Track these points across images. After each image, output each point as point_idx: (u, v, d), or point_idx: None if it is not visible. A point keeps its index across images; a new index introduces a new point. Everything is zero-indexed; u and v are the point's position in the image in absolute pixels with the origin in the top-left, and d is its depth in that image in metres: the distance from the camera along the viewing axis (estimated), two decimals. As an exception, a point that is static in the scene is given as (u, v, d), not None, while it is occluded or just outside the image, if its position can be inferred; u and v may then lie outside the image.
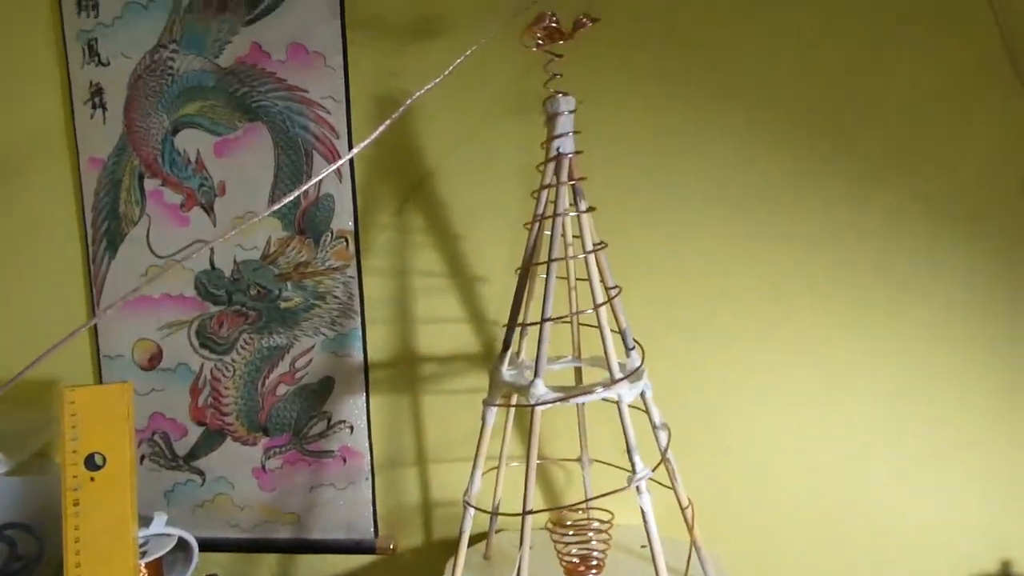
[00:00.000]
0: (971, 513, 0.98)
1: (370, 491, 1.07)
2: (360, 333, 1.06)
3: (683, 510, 0.83)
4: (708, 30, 0.96)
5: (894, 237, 0.95)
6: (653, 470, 0.72)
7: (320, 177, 0.67)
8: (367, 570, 1.10)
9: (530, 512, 0.70)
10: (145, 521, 1.00)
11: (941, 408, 0.97)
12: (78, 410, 0.91)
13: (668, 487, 0.83)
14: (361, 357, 1.06)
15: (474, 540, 1.01)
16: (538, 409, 0.72)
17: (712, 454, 1.01)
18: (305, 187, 0.64)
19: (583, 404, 0.96)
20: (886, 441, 0.98)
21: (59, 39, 1.06)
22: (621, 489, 0.69)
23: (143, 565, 0.97)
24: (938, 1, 0.91)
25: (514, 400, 0.84)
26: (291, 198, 0.79)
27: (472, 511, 0.80)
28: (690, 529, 0.81)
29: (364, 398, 1.07)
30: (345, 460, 1.07)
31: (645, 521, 0.70)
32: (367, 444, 1.07)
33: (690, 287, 0.99)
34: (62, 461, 0.89)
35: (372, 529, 1.08)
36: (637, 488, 0.70)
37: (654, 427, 0.82)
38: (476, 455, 0.81)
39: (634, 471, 0.71)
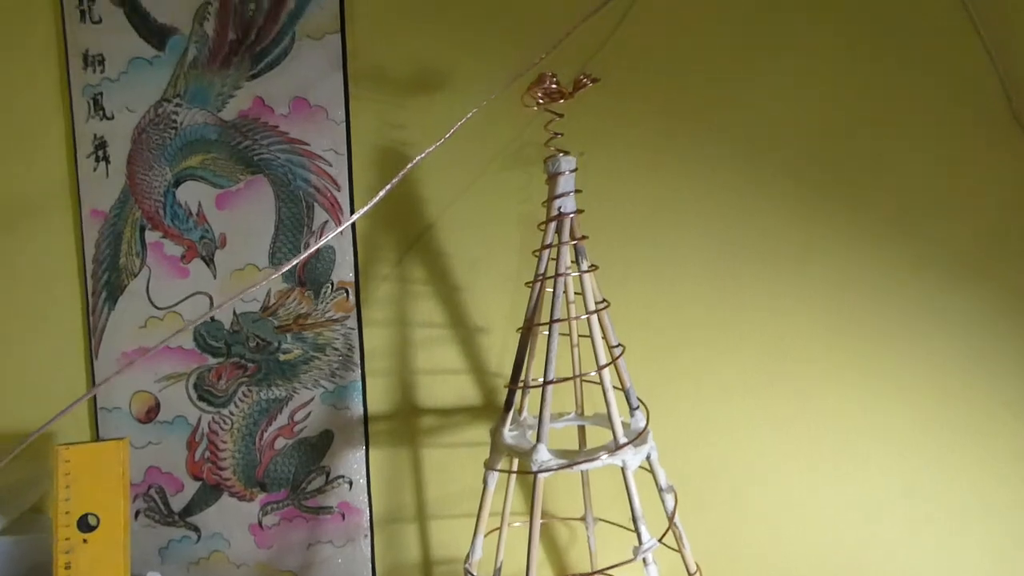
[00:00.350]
0: (983, 573, 0.94)
1: (369, 549, 1.05)
2: (360, 385, 1.05)
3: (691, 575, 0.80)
4: (708, 85, 0.96)
5: (901, 291, 0.94)
6: (660, 539, 0.69)
7: (322, 242, 0.67)
8: (365, 631, 1.06)
9: (532, 584, 0.68)
10: (138, 582, 0.97)
11: (954, 467, 0.94)
12: (72, 469, 0.89)
13: (675, 550, 0.81)
14: (361, 410, 1.05)
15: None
16: (541, 477, 0.70)
17: (719, 513, 0.99)
18: (310, 253, 0.64)
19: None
20: (898, 501, 0.96)
21: (65, 93, 1.07)
22: (627, 561, 0.67)
23: (134, 629, 0.94)
24: (937, 53, 0.91)
25: (515, 463, 0.82)
26: (300, 260, 0.78)
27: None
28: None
29: (364, 452, 1.05)
30: (344, 516, 1.05)
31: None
32: (366, 500, 1.05)
33: (694, 343, 0.98)
34: (54, 522, 0.87)
35: (371, 588, 1.05)
36: (643, 560, 0.68)
37: (660, 490, 0.80)
38: (477, 520, 0.79)
39: (640, 541, 0.68)
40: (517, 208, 1.01)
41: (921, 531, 0.95)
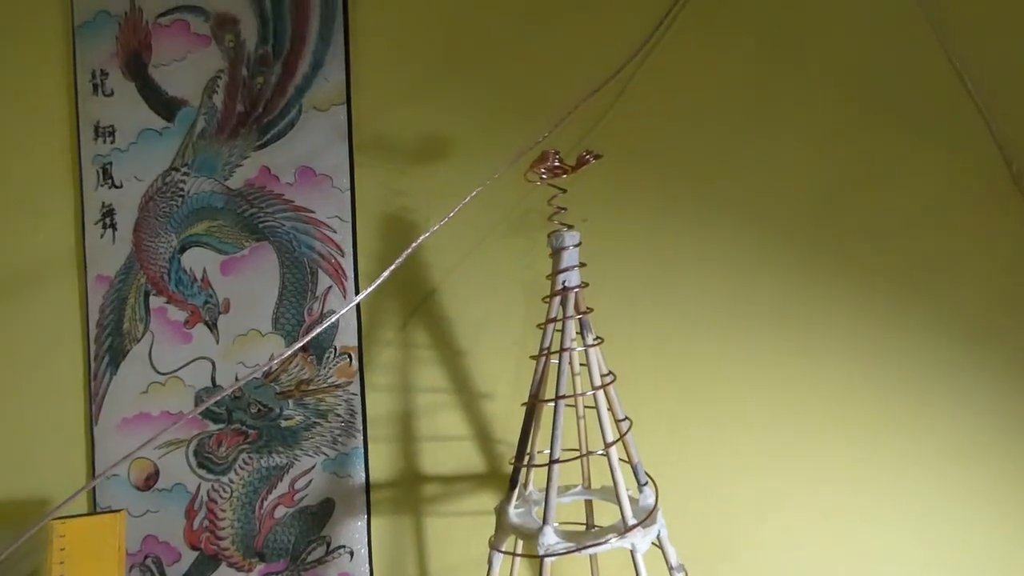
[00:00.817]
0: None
1: (370, 622, 1.02)
2: (362, 452, 1.04)
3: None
4: (708, 152, 0.98)
5: (908, 353, 0.94)
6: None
7: (334, 317, 0.67)
8: None
9: None
10: (131, 662, 0.94)
11: (969, 529, 0.93)
12: (67, 544, 0.87)
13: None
14: (363, 477, 1.03)
15: None
16: (547, 561, 0.69)
17: (717, 540, 0.96)
18: (319, 329, 0.65)
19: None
20: (913, 553, 0.93)
21: (75, 162, 1.09)
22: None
23: None
24: (934, 119, 0.93)
25: (520, 545, 0.81)
26: (316, 332, 0.78)
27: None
28: None
29: (365, 520, 1.03)
30: (344, 588, 1.03)
31: None
32: (367, 570, 1.02)
33: (701, 415, 0.97)
34: (48, 602, 0.85)
35: (371, 665, 1.02)
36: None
37: (671, 569, 0.78)
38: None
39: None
40: (521, 274, 1.01)
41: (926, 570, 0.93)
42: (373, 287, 0.70)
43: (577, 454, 0.82)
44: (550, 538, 0.69)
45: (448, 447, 1.03)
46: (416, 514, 1.04)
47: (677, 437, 0.97)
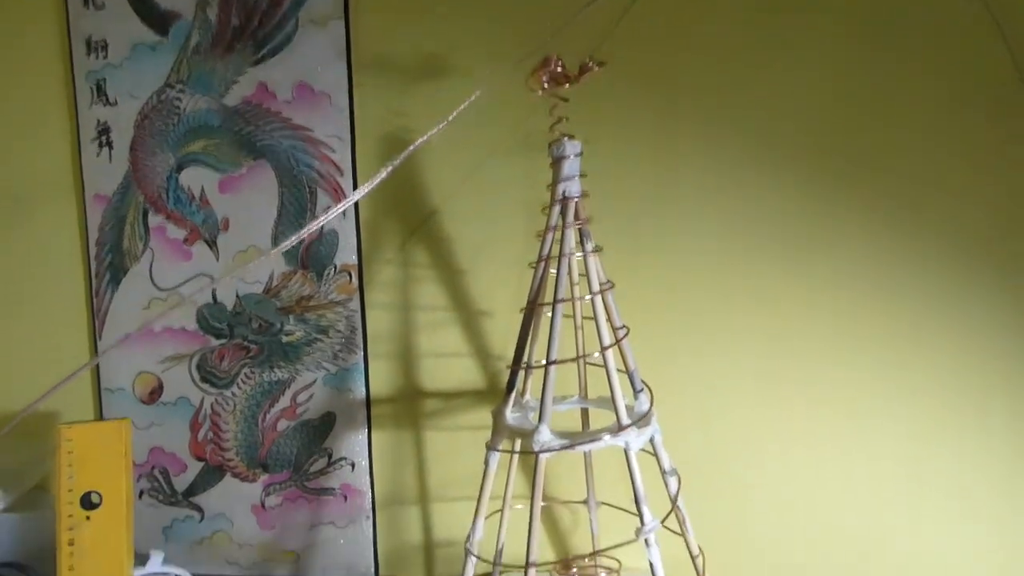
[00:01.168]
0: (989, 557, 0.96)
1: (371, 530, 1.06)
2: (363, 368, 1.06)
3: (693, 559, 0.81)
4: (714, 69, 0.96)
5: (910, 276, 0.94)
6: (663, 521, 0.71)
7: (323, 220, 0.67)
8: (367, 611, 1.08)
9: (533, 564, 0.69)
10: (141, 559, 0.98)
11: (962, 452, 0.95)
12: (75, 448, 0.90)
13: (679, 534, 0.82)
14: (363, 392, 1.06)
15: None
16: (543, 457, 0.72)
17: (724, 499, 1.00)
18: (308, 229, 0.64)
19: (590, 455, 0.95)
20: (905, 485, 0.97)
21: (68, 79, 1.08)
22: (629, 542, 0.68)
23: (139, 607, 0.96)
24: (945, 34, 0.90)
25: (518, 444, 0.83)
26: (296, 240, 0.80)
27: (474, 559, 0.79)
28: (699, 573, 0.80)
29: (366, 434, 1.06)
30: (346, 498, 1.06)
31: (653, 574, 0.68)
32: (368, 482, 1.06)
33: (699, 327, 0.99)
34: (57, 500, 0.88)
35: (373, 569, 1.06)
36: (645, 540, 0.69)
37: (664, 473, 0.81)
38: (479, 500, 0.80)
39: (642, 522, 0.70)
40: (522, 194, 1.01)
41: (925, 514, 0.96)
42: (373, 183, 0.69)
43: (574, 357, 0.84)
44: (545, 435, 0.71)
45: (447, 363, 1.05)
46: (416, 428, 1.07)
47: (674, 350, 0.99)
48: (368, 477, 1.06)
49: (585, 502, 0.96)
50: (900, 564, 0.97)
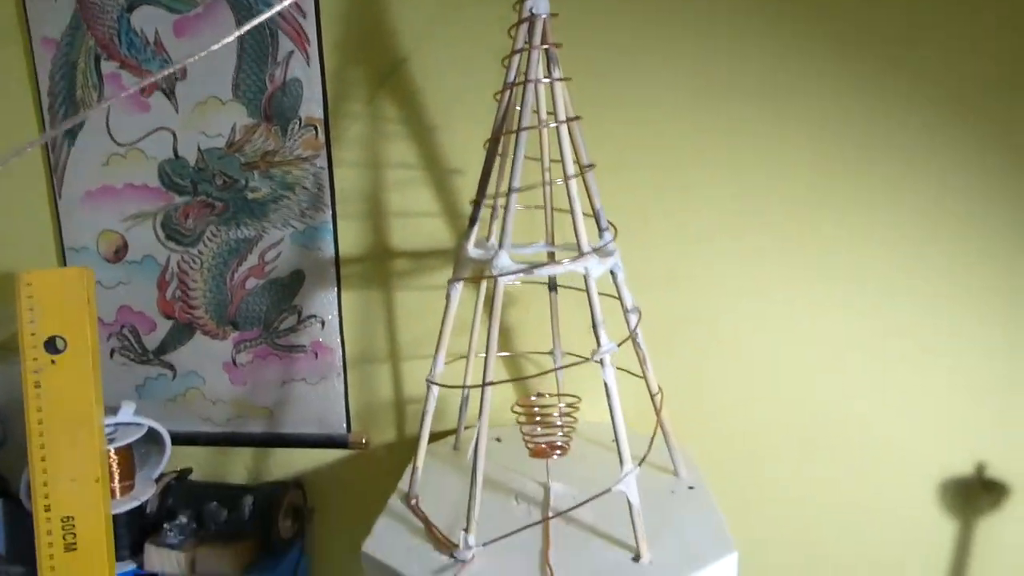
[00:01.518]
0: (949, 416, 0.97)
1: (342, 386, 1.07)
2: (331, 226, 1.03)
3: (652, 397, 0.82)
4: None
5: (888, 128, 0.91)
6: (619, 345, 0.70)
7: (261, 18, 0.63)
8: (340, 464, 1.10)
9: (491, 383, 0.69)
10: (113, 410, 0.99)
11: (925, 311, 0.95)
12: (35, 292, 0.88)
13: (639, 376, 0.82)
14: (332, 251, 1.04)
15: (446, 435, 1.02)
16: (501, 282, 0.70)
17: (687, 353, 1.00)
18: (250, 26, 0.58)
19: (556, 295, 0.94)
20: (869, 343, 0.97)
21: (2, -97, 0.99)
22: (584, 360, 0.68)
23: (112, 451, 0.97)
24: None
25: (482, 288, 0.82)
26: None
27: (436, 390, 0.79)
28: (657, 412, 0.80)
29: (335, 293, 1.05)
30: (317, 355, 1.06)
31: (608, 395, 0.68)
32: (339, 340, 1.06)
33: (671, 175, 0.96)
34: (21, 343, 0.87)
35: (344, 424, 1.07)
36: (601, 362, 0.69)
37: (625, 311, 0.80)
38: (440, 335, 0.79)
39: (599, 344, 0.69)
40: (498, 43, 0.95)
41: (896, 369, 0.97)
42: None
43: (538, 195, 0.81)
44: (504, 260, 0.70)
45: (418, 223, 1.03)
46: (386, 288, 1.05)
47: (644, 198, 0.96)
48: (338, 335, 1.05)
49: (551, 353, 0.96)
50: (858, 423, 0.99)
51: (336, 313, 1.05)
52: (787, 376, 0.99)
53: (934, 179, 0.92)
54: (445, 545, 0.70)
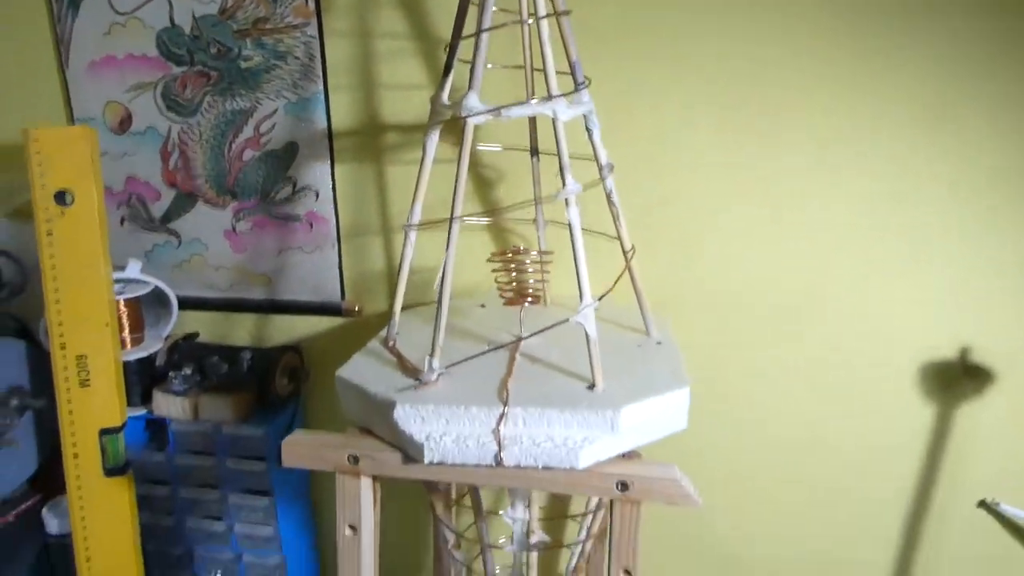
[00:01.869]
0: (934, 298, 0.97)
1: (336, 256, 1.11)
2: (323, 98, 1.05)
3: (625, 254, 0.83)
4: None
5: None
6: (585, 188, 0.71)
7: None
8: (335, 331, 1.16)
9: (459, 217, 0.71)
10: (120, 268, 1.06)
11: (912, 190, 0.93)
12: (42, 148, 0.93)
13: (614, 237, 0.83)
14: (325, 123, 1.06)
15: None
16: (470, 123, 0.71)
17: (674, 241, 1.00)
18: None
19: (538, 161, 0.95)
20: (852, 221, 0.96)
21: None
22: (553, 198, 0.70)
23: (121, 303, 1.04)
24: None
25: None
26: None
27: (413, 236, 0.82)
28: (628, 266, 0.82)
29: (329, 165, 1.07)
30: (312, 225, 1.10)
31: (572, 235, 0.70)
32: (333, 210, 1.09)
33: (657, 58, 0.94)
34: (33, 197, 0.93)
35: (339, 292, 1.12)
36: (566, 202, 0.70)
37: (600, 167, 0.81)
38: (417, 185, 0.81)
39: (564, 184, 0.70)
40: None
41: (879, 248, 0.96)
42: None
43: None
44: (472, 100, 0.71)
45: (409, 96, 1.04)
46: (378, 162, 1.07)
47: (627, 82, 0.95)
48: (332, 206, 1.09)
49: (534, 221, 0.98)
50: (842, 306, 0.99)
51: (330, 185, 1.08)
52: (767, 255, 0.99)
53: (928, 53, 0.88)
54: (412, 372, 0.74)
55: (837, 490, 1.06)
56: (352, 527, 0.69)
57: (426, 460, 0.63)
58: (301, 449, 0.69)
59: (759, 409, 1.05)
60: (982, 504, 1.01)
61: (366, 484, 0.70)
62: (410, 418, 0.66)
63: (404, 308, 0.89)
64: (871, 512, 1.06)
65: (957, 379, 0.99)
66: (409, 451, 0.66)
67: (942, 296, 0.96)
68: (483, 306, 1.00)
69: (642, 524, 0.65)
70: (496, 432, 0.64)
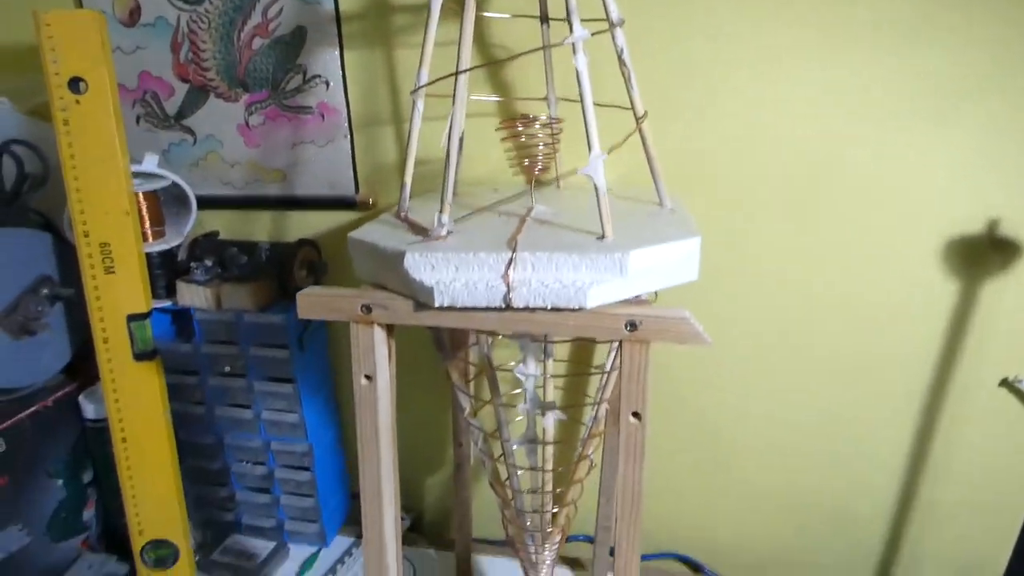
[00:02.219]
0: (961, 170, 0.93)
1: (349, 148, 1.10)
2: (329, -20, 1.02)
3: (637, 119, 0.81)
4: None
5: None
6: (592, 34, 0.69)
7: None
8: (351, 225, 1.16)
9: (464, 71, 0.70)
10: (137, 161, 1.07)
11: (941, 56, 0.88)
12: (54, 32, 0.93)
13: (626, 108, 0.81)
14: (332, 5, 1.03)
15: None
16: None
17: (691, 112, 0.97)
18: None
19: (548, 28, 0.92)
20: (876, 87, 0.91)
21: None
22: (558, 44, 0.67)
23: (141, 196, 1.06)
24: None
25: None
26: None
27: (421, 105, 0.81)
28: (640, 129, 0.80)
29: (338, 52, 1.06)
30: (323, 116, 1.09)
31: (579, 83, 0.68)
32: (344, 101, 1.08)
33: None
34: (48, 85, 0.93)
35: (353, 186, 1.12)
36: (572, 48, 0.68)
37: (611, 24, 0.78)
38: (423, 50, 0.79)
39: (571, 31, 0.68)
40: None
41: (906, 115, 0.91)
42: None
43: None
44: (479, -58, 0.68)
45: (415, -27, 1.01)
46: (388, 47, 1.05)
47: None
48: (343, 95, 1.08)
49: (545, 99, 0.96)
50: (864, 177, 0.95)
51: (340, 74, 1.07)
52: (787, 121, 0.95)
53: None
54: (423, 232, 0.75)
55: (854, 369, 1.05)
56: (368, 376, 0.71)
57: (436, 303, 0.64)
58: (316, 300, 0.70)
59: (773, 282, 1.04)
60: (1004, 383, 1.00)
61: (380, 334, 0.71)
62: (420, 266, 0.66)
63: (414, 196, 0.89)
64: (889, 392, 1.05)
65: (984, 253, 0.96)
66: (420, 297, 0.66)
67: (972, 165, 0.92)
68: (496, 190, 1.00)
69: (651, 368, 0.66)
70: (506, 276, 0.64)
